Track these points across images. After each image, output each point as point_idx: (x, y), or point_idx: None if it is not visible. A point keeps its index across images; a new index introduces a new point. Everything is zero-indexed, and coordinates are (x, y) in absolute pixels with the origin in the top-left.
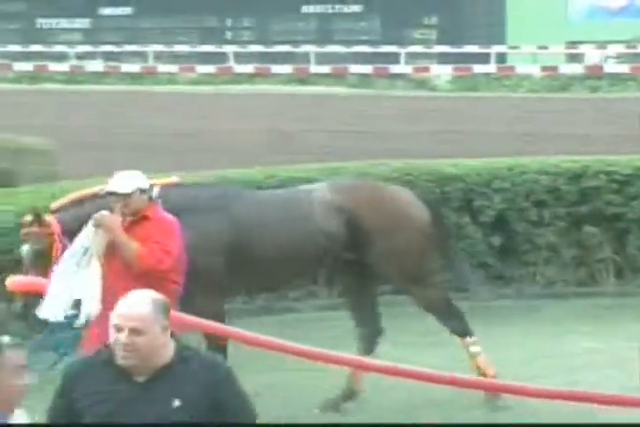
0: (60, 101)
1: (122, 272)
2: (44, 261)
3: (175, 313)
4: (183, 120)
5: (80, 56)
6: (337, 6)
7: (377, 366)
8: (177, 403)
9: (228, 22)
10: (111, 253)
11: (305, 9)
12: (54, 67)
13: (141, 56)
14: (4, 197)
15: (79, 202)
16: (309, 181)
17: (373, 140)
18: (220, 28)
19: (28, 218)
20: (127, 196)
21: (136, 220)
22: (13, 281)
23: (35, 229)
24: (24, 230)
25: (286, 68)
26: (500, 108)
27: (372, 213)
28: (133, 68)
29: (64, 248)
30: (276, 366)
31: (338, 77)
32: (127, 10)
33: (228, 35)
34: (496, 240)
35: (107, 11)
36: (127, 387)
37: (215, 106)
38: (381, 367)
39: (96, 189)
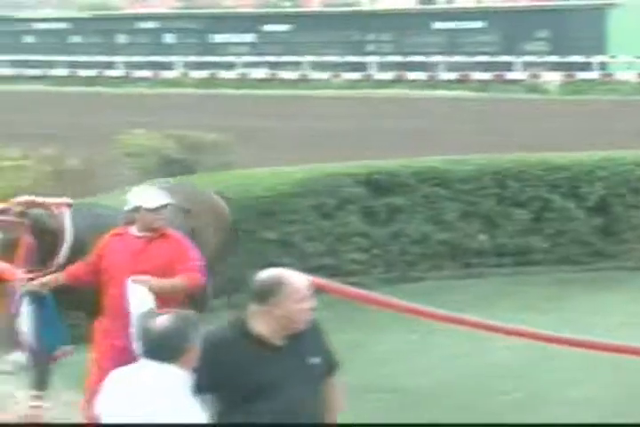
0: (230, 103)
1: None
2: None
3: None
4: (334, 120)
5: (246, 65)
6: (462, 23)
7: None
8: (314, 360)
9: (370, 37)
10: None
11: (435, 25)
12: (225, 74)
13: (297, 65)
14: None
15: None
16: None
17: (495, 136)
18: (363, 42)
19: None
20: (159, 209)
21: (154, 237)
22: None
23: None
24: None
25: (420, 75)
26: (602, 108)
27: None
28: (291, 75)
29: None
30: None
31: (463, 83)
32: (286, 27)
33: (370, 47)
34: (598, 221)
35: (269, 27)
36: (271, 352)
37: (361, 108)
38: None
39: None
